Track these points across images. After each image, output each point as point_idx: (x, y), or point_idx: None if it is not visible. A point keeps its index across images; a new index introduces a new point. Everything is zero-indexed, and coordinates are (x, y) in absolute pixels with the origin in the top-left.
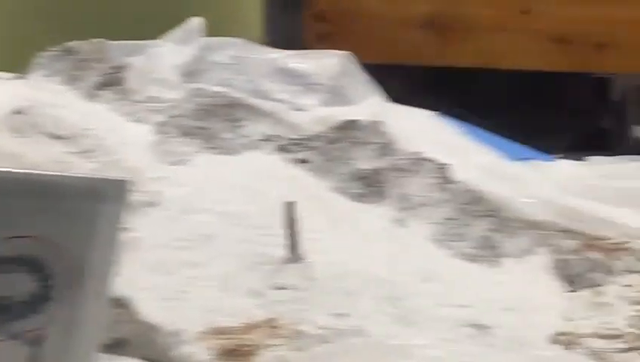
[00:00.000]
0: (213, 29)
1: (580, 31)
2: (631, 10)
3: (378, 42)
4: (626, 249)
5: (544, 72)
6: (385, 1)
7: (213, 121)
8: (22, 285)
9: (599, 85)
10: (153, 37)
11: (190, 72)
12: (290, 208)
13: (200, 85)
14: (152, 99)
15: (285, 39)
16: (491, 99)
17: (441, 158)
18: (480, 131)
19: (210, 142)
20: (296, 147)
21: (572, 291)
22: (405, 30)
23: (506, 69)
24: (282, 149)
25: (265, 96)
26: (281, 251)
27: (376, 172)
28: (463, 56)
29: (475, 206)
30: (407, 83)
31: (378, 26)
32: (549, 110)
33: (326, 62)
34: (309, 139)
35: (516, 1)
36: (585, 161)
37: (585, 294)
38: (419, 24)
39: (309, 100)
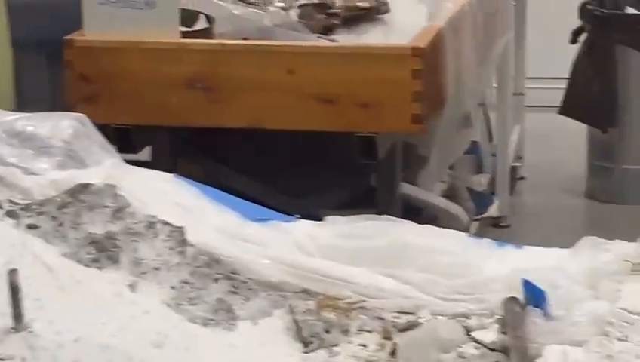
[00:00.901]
0: None
1: (344, 91)
2: (393, 70)
3: (144, 103)
4: (361, 308)
5: (312, 132)
6: (149, 61)
7: None
8: None
9: (366, 144)
10: None
11: None
12: (12, 276)
13: None
14: None
15: (47, 100)
16: (261, 158)
17: (177, 221)
18: (220, 193)
19: None
20: (25, 212)
21: (307, 352)
22: (171, 91)
23: (273, 128)
24: (11, 215)
25: None
26: (4, 320)
27: (109, 236)
28: (229, 116)
29: (211, 268)
30: (175, 144)
31: (143, 87)
32: (319, 169)
33: (60, 125)
34: (40, 203)
35: (282, 61)
36: (323, 221)
37: (320, 354)
38: (184, 85)
39: (42, 164)
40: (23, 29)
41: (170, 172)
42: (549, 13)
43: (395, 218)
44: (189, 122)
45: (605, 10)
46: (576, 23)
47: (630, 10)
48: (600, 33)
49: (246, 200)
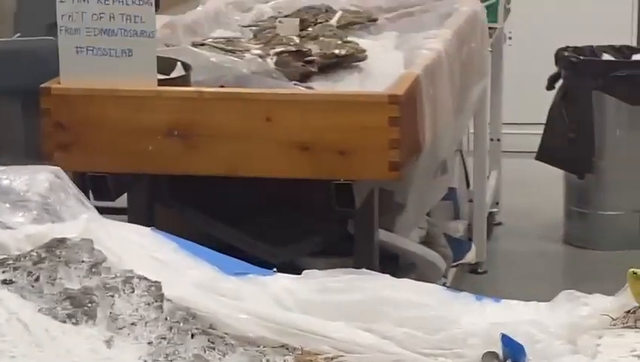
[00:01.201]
0: None
1: (321, 138)
2: (370, 117)
3: (121, 151)
4: None
5: (290, 179)
6: (126, 109)
7: None
8: None
9: (343, 191)
10: None
11: None
12: None
13: None
14: None
15: (22, 148)
16: (239, 205)
17: (154, 276)
18: (197, 246)
19: None
20: (0, 267)
21: None
22: (148, 138)
23: (251, 176)
24: None
25: None
26: None
27: (86, 291)
28: (207, 164)
29: (188, 324)
30: (152, 192)
31: (121, 135)
32: (296, 216)
33: (36, 178)
34: (16, 258)
35: (259, 108)
36: (301, 274)
37: None
38: (161, 132)
39: (18, 218)
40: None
41: (147, 219)
42: (526, 60)
43: (373, 272)
44: (166, 170)
45: (581, 57)
46: (553, 69)
47: (606, 56)
48: (576, 79)
49: (223, 247)
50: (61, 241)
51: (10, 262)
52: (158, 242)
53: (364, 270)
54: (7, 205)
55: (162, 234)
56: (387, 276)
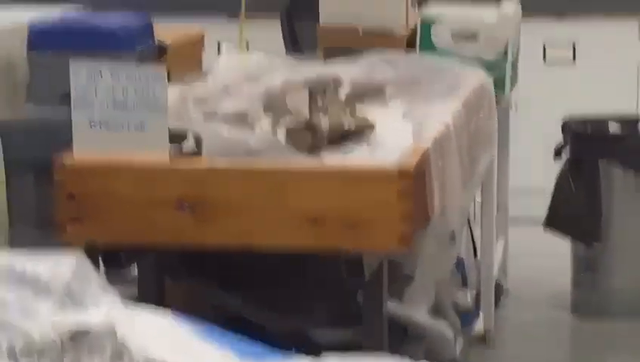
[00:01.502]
0: None
1: (331, 211)
2: (379, 190)
3: (132, 223)
4: None
5: (299, 251)
6: (136, 181)
7: None
8: None
9: (352, 262)
10: None
11: None
12: None
13: None
14: None
15: (35, 219)
16: (248, 277)
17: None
18: (216, 330)
19: None
20: (24, 356)
21: None
22: (159, 211)
23: (262, 249)
24: (10, 357)
25: None
26: None
27: None
28: (217, 236)
29: None
30: (161, 263)
31: (131, 207)
32: (305, 286)
33: (60, 265)
34: (40, 346)
35: (270, 181)
36: (319, 358)
37: None
38: (172, 205)
39: (41, 305)
40: (12, 150)
41: (157, 290)
42: (532, 129)
43: (393, 357)
44: (177, 242)
45: (588, 127)
46: (559, 137)
47: (612, 125)
48: (583, 149)
49: (233, 318)
50: (84, 329)
51: (35, 350)
52: (179, 327)
53: (384, 355)
54: (31, 292)
55: (183, 319)
56: (407, 360)
